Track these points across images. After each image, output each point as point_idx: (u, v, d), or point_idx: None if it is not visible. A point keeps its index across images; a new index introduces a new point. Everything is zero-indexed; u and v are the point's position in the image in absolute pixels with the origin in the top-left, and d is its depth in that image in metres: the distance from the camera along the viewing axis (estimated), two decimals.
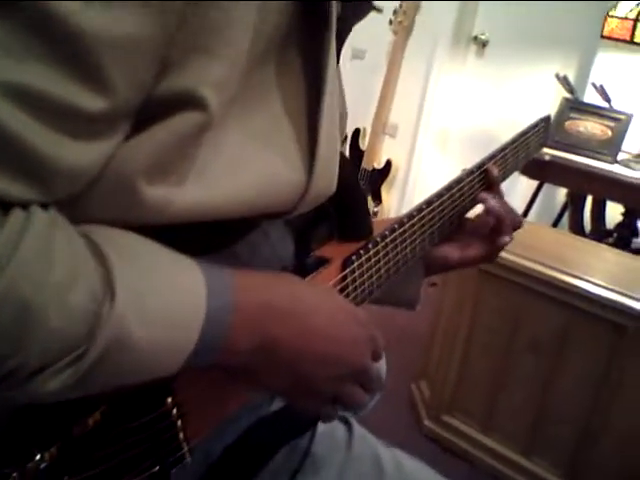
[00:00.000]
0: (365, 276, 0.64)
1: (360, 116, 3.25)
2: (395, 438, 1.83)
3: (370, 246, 0.64)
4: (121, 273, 0.36)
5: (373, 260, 0.64)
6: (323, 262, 0.61)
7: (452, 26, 2.85)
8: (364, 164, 3.20)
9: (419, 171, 3.21)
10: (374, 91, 3.11)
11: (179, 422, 0.49)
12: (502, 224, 0.75)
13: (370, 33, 3.11)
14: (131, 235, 0.40)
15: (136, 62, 0.35)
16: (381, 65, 3.08)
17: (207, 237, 0.48)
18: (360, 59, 3.25)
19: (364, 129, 3.23)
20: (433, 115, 3.03)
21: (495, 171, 0.79)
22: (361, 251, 0.63)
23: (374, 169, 3.19)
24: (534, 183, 2.59)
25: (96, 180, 0.37)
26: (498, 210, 0.75)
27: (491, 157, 0.82)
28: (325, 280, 0.60)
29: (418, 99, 3.06)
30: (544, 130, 0.95)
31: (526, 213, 2.58)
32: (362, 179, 3.21)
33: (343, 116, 0.73)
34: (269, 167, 0.45)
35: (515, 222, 0.77)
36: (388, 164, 3.15)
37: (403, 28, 2.94)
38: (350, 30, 0.63)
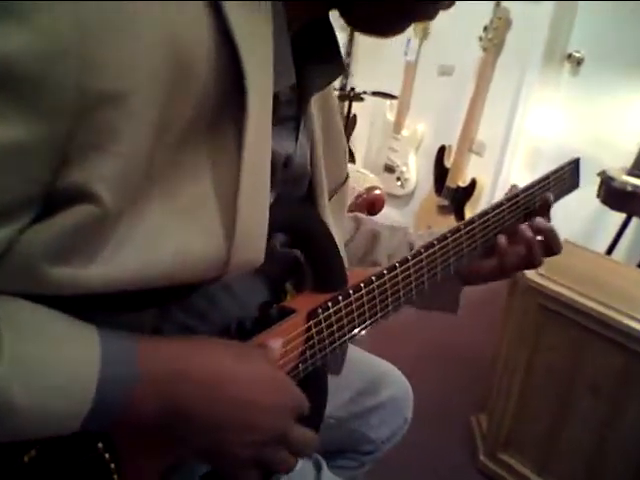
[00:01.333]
0: (334, 328, 0.64)
1: (446, 133, 3.20)
2: (449, 470, 1.80)
3: (340, 298, 0.64)
4: (10, 344, 0.39)
5: (344, 312, 0.64)
6: (288, 313, 0.62)
7: (545, 43, 2.73)
8: (448, 182, 3.14)
9: (505, 191, 3.10)
10: (461, 108, 3.05)
11: (112, 465, 0.51)
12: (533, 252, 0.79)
13: (459, 49, 3.06)
14: (29, 306, 0.42)
15: (29, 164, 0.39)
16: (469, 82, 3.01)
17: (153, 292, 0.50)
18: (448, 75, 3.20)
19: (449, 146, 3.18)
20: (523, 134, 2.92)
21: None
22: (329, 303, 0.63)
23: (458, 187, 3.12)
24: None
25: (0, 257, 0.40)
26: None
27: (512, 197, 0.81)
28: (289, 331, 0.60)
29: (507, 117, 2.96)
30: (573, 172, 0.91)
31: (611, 250, 2.40)
32: (446, 197, 3.15)
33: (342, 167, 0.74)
34: (188, 242, 0.46)
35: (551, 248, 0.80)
36: (473, 183, 3.08)
37: (493, 45, 2.87)
38: (319, 89, 0.63)
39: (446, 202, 3.17)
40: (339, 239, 0.74)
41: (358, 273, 0.67)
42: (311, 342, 0.62)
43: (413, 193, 3.51)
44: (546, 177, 0.86)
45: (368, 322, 0.67)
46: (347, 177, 0.80)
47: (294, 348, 0.61)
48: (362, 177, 1.77)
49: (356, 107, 3.32)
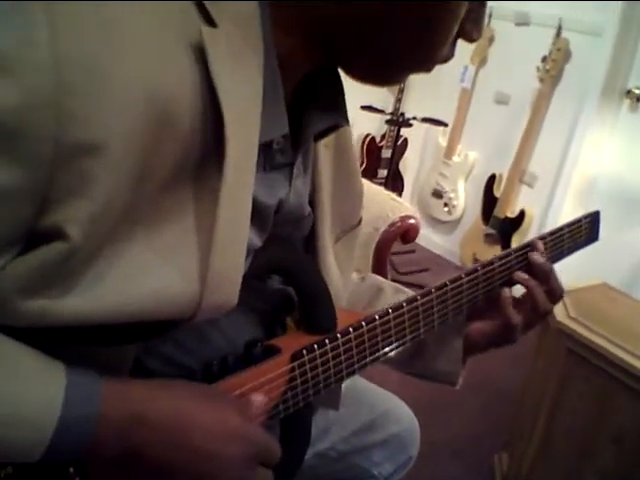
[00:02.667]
0: (319, 370, 0.65)
1: (497, 162, 3.16)
2: None
3: (327, 341, 0.65)
4: None
5: (330, 355, 0.65)
6: (273, 352, 0.63)
7: (604, 78, 2.66)
8: (496, 211, 3.10)
9: (555, 224, 3.03)
10: (515, 138, 3.01)
11: None
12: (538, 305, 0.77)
13: (516, 79, 3.03)
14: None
15: (13, 206, 0.42)
16: (525, 112, 2.97)
17: (135, 326, 0.52)
18: (504, 104, 3.16)
19: (500, 175, 3.13)
20: (576, 168, 2.85)
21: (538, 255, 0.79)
22: (315, 345, 0.64)
23: (506, 217, 3.07)
24: None
25: None
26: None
27: (520, 248, 0.80)
28: (271, 370, 0.62)
29: (561, 150, 2.90)
30: (593, 225, 0.89)
31: None
32: (493, 227, 3.11)
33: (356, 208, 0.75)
34: (166, 281, 0.48)
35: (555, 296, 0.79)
36: (522, 214, 3.03)
37: (550, 77, 2.82)
38: (318, 138, 0.65)
39: (493, 231, 3.13)
40: (341, 281, 0.75)
41: (351, 315, 0.68)
42: (294, 383, 0.63)
43: (460, 220, 3.47)
44: (561, 229, 0.85)
45: (356, 366, 0.68)
46: (360, 220, 0.81)
47: (275, 388, 0.62)
48: (397, 205, 1.76)
49: (409, 131, 3.32)
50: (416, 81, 3.37)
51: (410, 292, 0.85)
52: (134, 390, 0.50)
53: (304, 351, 0.63)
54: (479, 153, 3.33)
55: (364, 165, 3.46)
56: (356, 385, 1.04)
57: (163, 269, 0.48)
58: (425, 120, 3.05)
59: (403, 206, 1.78)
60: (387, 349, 0.70)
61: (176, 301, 0.49)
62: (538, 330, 1.75)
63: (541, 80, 2.86)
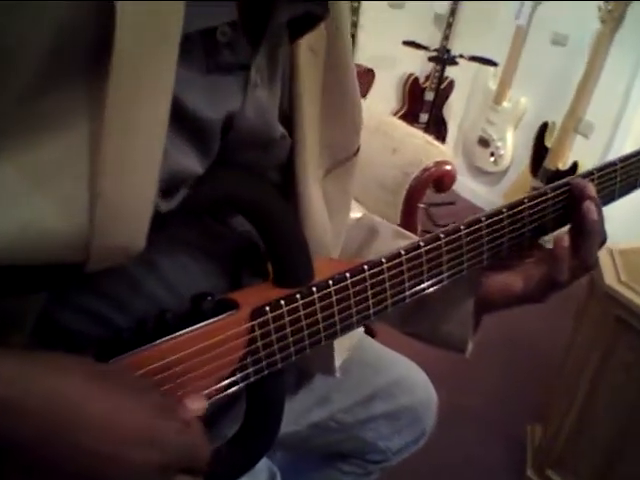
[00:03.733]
0: (287, 331, 0.51)
1: (551, 109, 2.91)
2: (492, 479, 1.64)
3: (298, 296, 0.50)
4: None
5: (302, 314, 0.51)
6: (229, 307, 0.49)
7: None
8: (546, 163, 2.87)
9: None
10: (571, 83, 2.75)
11: None
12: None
13: (575, 18, 2.75)
14: None
15: None
16: (583, 55, 2.70)
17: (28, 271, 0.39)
18: (561, 45, 2.88)
19: (553, 123, 2.89)
20: (637, 117, 2.60)
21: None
22: (281, 301, 0.50)
23: (558, 170, 2.84)
24: None
25: None
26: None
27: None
28: (225, 329, 0.48)
29: (621, 98, 2.63)
30: None
31: None
32: (542, 179, 2.89)
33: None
34: (39, 211, 0.35)
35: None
36: (574, 166, 2.79)
37: (612, 18, 2.54)
38: (293, 37, 0.49)
39: (542, 184, 2.90)
40: (328, 224, 0.60)
41: (337, 265, 0.54)
42: (253, 346, 0.50)
43: (506, 171, 3.24)
44: (612, 164, 0.67)
45: (338, 327, 0.54)
46: (357, 150, 0.65)
47: (230, 351, 0.49)
48: (432, 150, 1.59)
49: (456, 72, 3.09)
50: (466, 16, 3.11)
51: (414, 237, 0.70)
52: (12, 367, 0.36)
53: (267, 307, 0.49)
54: (531, 99, 3.07)
55: (405, 108, 3.25)
56: (364, 348, 0.90)
57: (36, 197, 0.34)
58: (473, 59, 2.81)
59: (439, 150, 1.61)
60: (377, 308, 0.55)
61: (56, 239, 0.35)
62: (580, 289, 1.56)
63: (602, 21, 2.58)
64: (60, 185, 0.35)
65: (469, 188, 3.37)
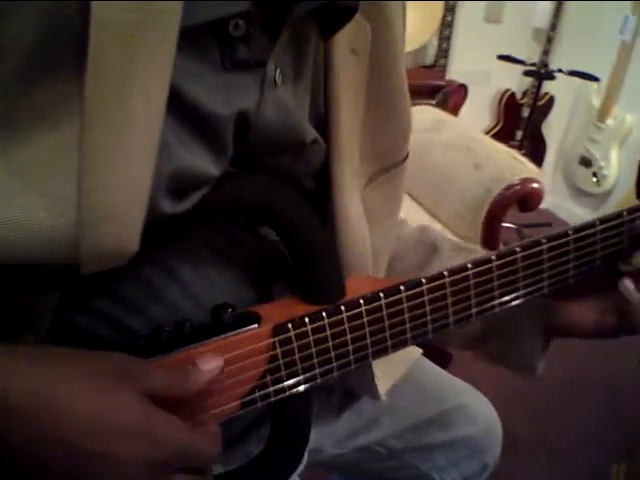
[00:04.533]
0: (311, 351, 0.48)
1: None
2: None
3: (324, 314, 0.47)
4: None
5: (329, 333, 0.48)
6: (252, 321, 0.47)
7: None
8: None
9: None
10: None
11: None
12: None
13: None
14: None
15: None
16: None
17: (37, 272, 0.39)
18: None
19: None
20: None
21: None
22: (305, 318, 0.47)
23: None
24: None
25: None
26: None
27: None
28: (243, 345, 0.46)
29: None
30: None
31: None
32: None
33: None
34: (29, 208, 0.34)
35: None
36: None
37: None
38: (326, 34, 0.46)
39: None
40: (368, 236, 0.57)
41: (374, 283, 0.50)
42: (274, 364, 0.47)
43: (610, 193, 3.05)
44: None
45: (370, 351, 0.50)
46: (406, 157, 0.62)
47: (250, 367, 0.46)
48: (518, 166, 1.50)
49: (557, 88, 2.95)
50: (568, 31, 2.97)
51: (478, 249, 0.65)
52: None
53: (289, 325, 0.46)
54: (637, 116, 2.88)
55: (500, 124, 3.13)
56: (422, 371, 0.85)
57: (26, 196, 0.33)
58: (573, 73, 2.66)
59: (525, 167, 1.52)
60: (415, 332, 0.51)
61: (47, 238, 0.34)
62: None
63: None
64: (50, 183, 0.34)
65: (568, 209, 3.20)
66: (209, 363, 0.42)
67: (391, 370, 0.71)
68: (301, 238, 0.47)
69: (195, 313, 0.47)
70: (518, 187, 1.47)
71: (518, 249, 0.53)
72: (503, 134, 3.07)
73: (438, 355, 1.32)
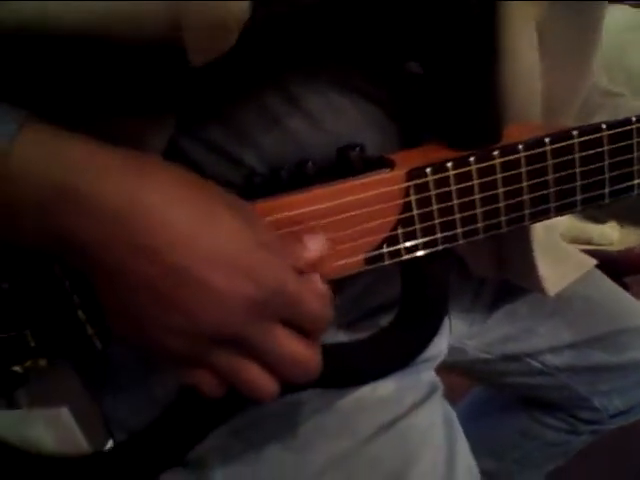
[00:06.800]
0: (452, 203, 0.40)
1: None
2: None
3: (471, 159, 0.39)
4: None
5: (476, 183, 0.39)
6: (382, 164, 0.40)
7: None
8: None
9: None
10: None
11: (75, 298, 0.39)
12: None
13: None
14: None
15: None
16: None
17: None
18: None
19: None
20: None
21: None
22: (448, 163, 0.39)
23: None
24: None
25: None
26: None
27: None
28: (370, 190, 0.39)
29: None
30: None
31: None
32: None
33: None
34: None
35: None
36: None
37: None
38: None
39: None
40: (537, 77, 0.45)
41: (534, 129, 0.41)
42: (407, 214, 0.40)
43: None
44: None
45: (526, 211, 0.41)
46: None
47: (378, 215, 0.40)
48: None
49: None
50: None
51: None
52: (74, 151, 0.31)
53: (428, 169, 0.39)
54: None
55: None
56: (597, 285, 0.73)
57: None
58: None
59: None
60: (588, 194, 0.41)
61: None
62: None
63: None
64: None
65: None
66: (316, 241, 0.37)
67: (560, 269, 0.60)
68: (449, 66, 0.38)
69: (320, 146, 0.41)
70: None
71: None
72: None
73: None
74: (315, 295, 0.35)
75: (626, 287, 1.48)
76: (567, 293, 0.61)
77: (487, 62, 0.40)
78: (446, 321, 0.59)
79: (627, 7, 1.76)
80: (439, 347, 0.56)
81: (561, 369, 0.73)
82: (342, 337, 0.50)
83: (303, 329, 0.34)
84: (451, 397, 0.58)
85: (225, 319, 0.31)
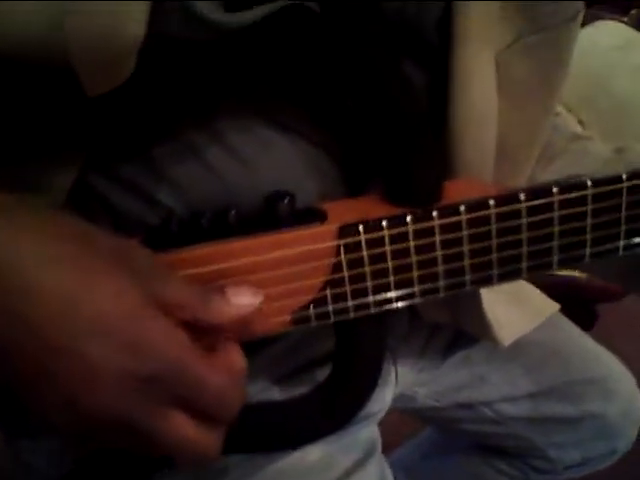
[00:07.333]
0: (387, 265, 0.36)
1: None
2: None
3: (408, 219, 0.35)
4: None
5: (412, 244, 0.36)
6: (315, 218, 0.36)
7: None
8: None
9: None
10: None
11: None
12: None
13: None
14: None
15: None
16: None
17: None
18: None
19: None
20: None
21: None
22: (383, 222, 0.35)
23: None
24: None
25: None
26: None
27: None
28: (297, 245, 0.35)
29: None
30: None
31: None
32: None
33: None
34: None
35: None
36: None
37: None
38: None
39: None
40: (493, 118, 0.42)
41: (480, 188, 0.38)
42: (337, 276, 0.36)
43: None
44: None
45: (467, 277, 0.38)
46: (577, 14, 0.42)
47: (305, 275, 0.36)
48: None
49: None
50: None
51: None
52: None
53: (361, 226, 0.35)
54: None
55: None
56: (556, 329, 0.70)
57: None
58: None
59: None
60: (535, 263, 0.38)
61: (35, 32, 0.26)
62: None
63: None
64: None
65: None
66: (242, 296, 0.31)
67: (518, 318, 0.57)
68: (383, 108, 0.35)
69: (249, 190, 0.37)
70: None
71: None
72: None
73: (581, 312, 1.14)
74: (223, 374, 0.29)
75: (595, 315, 1.46)
76: (524, 339, 0.58)
77: (431, 108, 0.37)
78: (391, 371, 0.56)
79: (616, 23, 1.74)
80: (381, 402, 0.53)
81: (516, 419, 0.70)
82: (275, 392, 0.46)
83: (206, 413, 0.29)
84: (402, 431, 0.54)
85: (103, 399, 0.27)
